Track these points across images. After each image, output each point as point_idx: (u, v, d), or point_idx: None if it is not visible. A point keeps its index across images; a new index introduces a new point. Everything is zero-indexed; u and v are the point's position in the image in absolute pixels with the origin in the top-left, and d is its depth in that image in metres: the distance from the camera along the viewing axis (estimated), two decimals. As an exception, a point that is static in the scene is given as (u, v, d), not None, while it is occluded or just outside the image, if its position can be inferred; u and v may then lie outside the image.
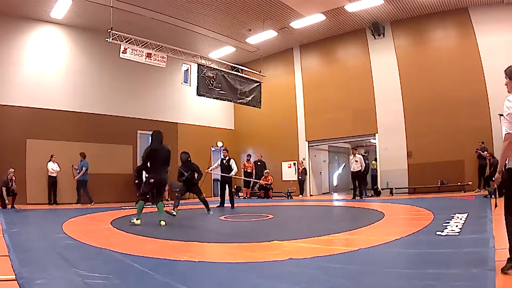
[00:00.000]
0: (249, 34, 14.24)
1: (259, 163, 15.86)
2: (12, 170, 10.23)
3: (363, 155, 12.85)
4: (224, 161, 10.20)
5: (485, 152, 10.79)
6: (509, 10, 11.44)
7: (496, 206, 3.37)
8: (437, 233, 4.48)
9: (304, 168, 15.55)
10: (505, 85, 3.05)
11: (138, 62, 10.75)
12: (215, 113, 17.22)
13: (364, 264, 3.34)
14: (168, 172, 6.96)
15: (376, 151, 14.19)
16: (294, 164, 16.02)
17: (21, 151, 11.52)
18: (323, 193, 17.08)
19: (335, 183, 19.45)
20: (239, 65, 14.58)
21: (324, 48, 15.48)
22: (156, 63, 10.96)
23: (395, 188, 13.03)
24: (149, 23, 12.51)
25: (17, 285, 2.72)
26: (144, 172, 12.33)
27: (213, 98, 12.87)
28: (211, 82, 12.45)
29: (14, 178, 10.27)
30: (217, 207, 10.09)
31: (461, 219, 5.48)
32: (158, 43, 10.98)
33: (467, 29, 12.11)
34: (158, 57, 10.95)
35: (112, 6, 9.83)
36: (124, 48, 10.11)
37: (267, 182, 14.94)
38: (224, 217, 7.88)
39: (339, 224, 6.61)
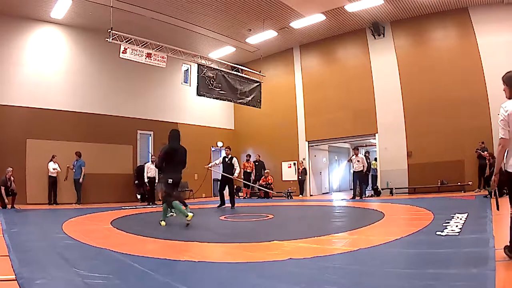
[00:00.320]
0: (249, 34, 14.23)
1: (257, 163, 15.87)
2: (10, 169, 10.14)
3: (364, 155, 12.85)
4: (227, 159, 10.17)
5: (485, 152, 10.79)
6: (509, 10, 11.43)
7: (498, 208, 3.38)
8: (437, 233, 4.48)
9: (304, 168, 15.55)
10: (503, 90, 3.15)
11: (138, 62, 10.74)
12: (215, 113, 17.22)
13: (364, 264, 3.34)
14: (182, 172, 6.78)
15: (376, 151, 14.20)
16: (294, 164, 16.02)
17: (21, 151, 11.51)
18: (323, 193, 17.08)
19: (335, 183, 19.44)
20: (239, 65, 14.58)
21: (324, 48, 15.47)
22: (156, 63, 10.95)
23: (395, 188, 13.02)
24: (149, 23, 12.51)
25: (17, 285, 2.72)
26: (146, 172, 12.43)
27: (213, 98, 12.86)
28: (211, 82, 12.45)
29: (12, 177, 10.20)
30: (217, 207, 10.08)
31: (461, 219, 5.48)
32: (158, 43, 10.98)
33: (467, 29, 12.11)
34: (158, 57, 10.94)
35: (112, 6, 9.83)
36: (124, 48, 10.11)
37: (267, 182, 14.95)
38: (224, 217, 7.88)
39: (339, 224, 6.62)
